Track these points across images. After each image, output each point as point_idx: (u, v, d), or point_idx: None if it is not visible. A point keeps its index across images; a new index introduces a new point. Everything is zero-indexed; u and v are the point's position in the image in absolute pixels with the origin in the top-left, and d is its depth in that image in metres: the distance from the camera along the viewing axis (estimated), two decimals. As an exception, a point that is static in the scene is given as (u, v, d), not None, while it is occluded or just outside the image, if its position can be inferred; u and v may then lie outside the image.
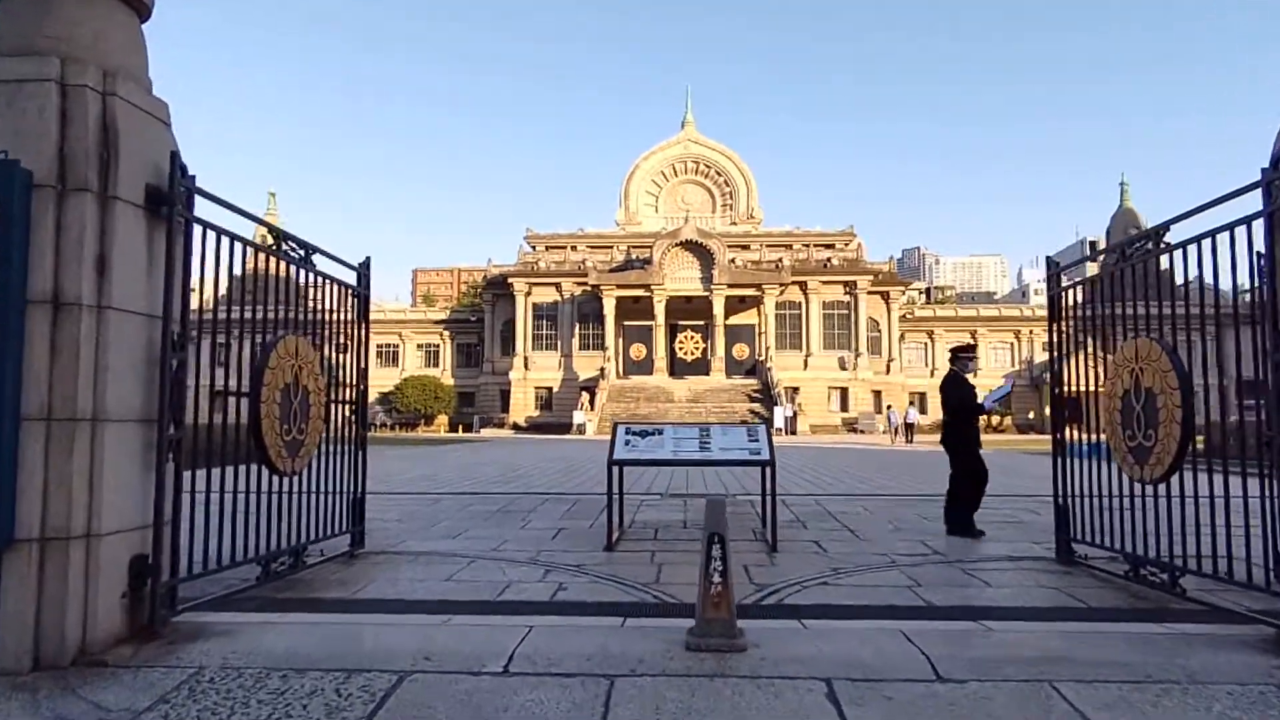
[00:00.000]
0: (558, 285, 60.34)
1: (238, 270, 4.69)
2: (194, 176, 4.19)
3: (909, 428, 40.13)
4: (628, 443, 6.84)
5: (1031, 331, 62.74)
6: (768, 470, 6.60)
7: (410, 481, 13.36)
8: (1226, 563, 4.51)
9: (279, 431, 4.99)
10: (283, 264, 5.28)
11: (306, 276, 5.58)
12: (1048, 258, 6.25)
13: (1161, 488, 4.82)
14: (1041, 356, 61.61)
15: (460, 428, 58.06)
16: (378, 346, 65.98)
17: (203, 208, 4.36)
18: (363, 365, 6.47)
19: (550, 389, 58.73)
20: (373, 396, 62.43)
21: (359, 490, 6.43)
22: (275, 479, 5.04)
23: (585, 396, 51.55)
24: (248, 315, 4.95)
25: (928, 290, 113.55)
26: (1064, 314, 6.09)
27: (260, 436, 4.79)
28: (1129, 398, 5.03)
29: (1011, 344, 62.95)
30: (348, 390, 6.31)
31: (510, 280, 60.52)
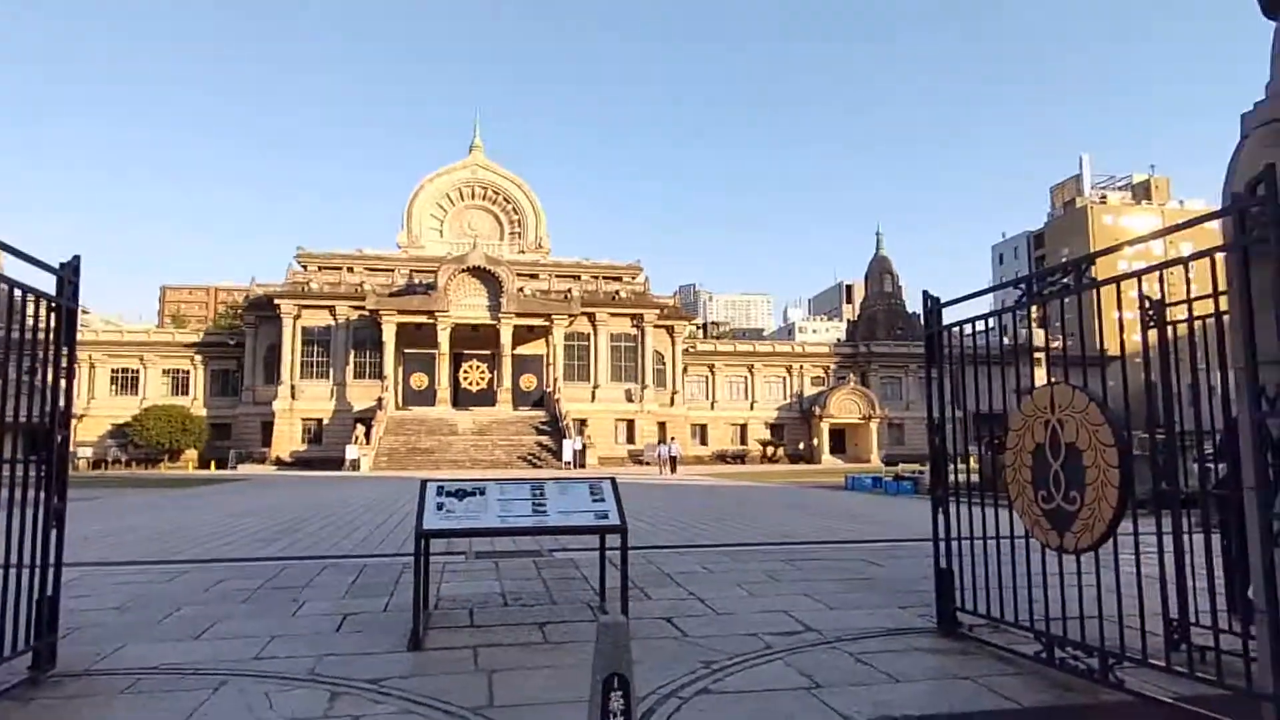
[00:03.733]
0: (331, 308, 55.99)
1: None
2: None
3: (673, 460, 42.81)
4: (440, 505, 5.41)
5: (801, 367, 66.73)
6: (618, 536, 5.45)
7: (146, 541, 10.84)
8: (1140, 637, 4.00)
9: (-105, 518, 3.14)
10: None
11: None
12: (924, 292, 5.65)
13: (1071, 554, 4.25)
14: (810, 390, 65.70)
15: (213, 463, 51.78)
16: (113, 371, 57.90)
17: None
18: (61, 406, 4.59)
19: (320, 420, 54.07)
20: (106, 428, 54.65)
21: (51, 584, 4.52)
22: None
23: (360, 429, 47.81)
24: None
25: (704, 326, 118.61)
26: (944, 354, 5.49)
27: None
28: (1043, 453, 4.42)
29: (784, 378, 66.50)
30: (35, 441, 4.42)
31: (277, 301, 55.30)
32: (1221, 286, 3.61)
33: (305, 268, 59.64)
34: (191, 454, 54.46)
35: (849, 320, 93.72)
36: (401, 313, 53.22)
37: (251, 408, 56.28)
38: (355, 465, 43.88)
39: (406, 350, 55.26)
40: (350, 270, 59.25)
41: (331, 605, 6.37)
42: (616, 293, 60.70)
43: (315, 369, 55.61)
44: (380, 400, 51.57)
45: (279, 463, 50.85)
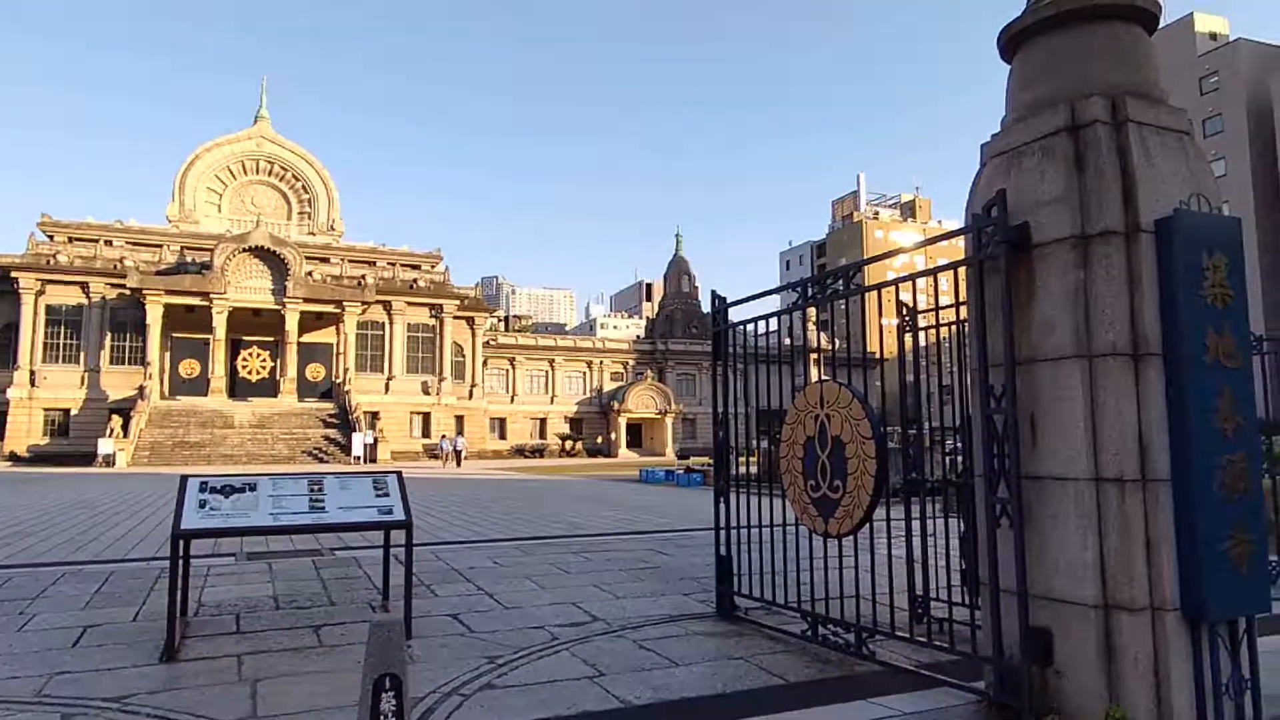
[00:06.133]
0: (84, 285, 49.77)
1: None
2: None
3: (458, 454, 43.18)
4: (203, 503, 4.96)
5: (602, 362, 67.73)
6: (403, 532, 5.25)
7: None
8: (890, 613, 4.42)
9: None
10: None
11: None
12: (712, 292, 5.91)
13: (833, 538, 4.62)
14: (610, 385, 66.89)
15: (-74, 461, 44.55)
16: None
17: None
18: None
19: (68, 411, 48.01)
20: None
21: None
22: None
23: (117, 421, 42.90)
24: None
25: (506, 319, 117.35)
26: (730, 351, 5.76)
27: None
28: (813, 445, 4.75)
29: (584, 373, 67.18)
30: None
31: (15, 274, 48.32)
32: (964, 298, 4.05)
33: (51, 238, 52.68)
34: (-105, 449, 46.56)
35: (649, 318, 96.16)
36: (171, 293, 48.32)
37: (-21, 396, 49.00)
38: (110, 461, 39.37)
39: (176, 335, 50.33)
40: (109, 244, 52.96)
41: (69, 617, 5.67)
42: (415, 281, 58.61)
43: (63, 353, 49.26)
44: (143, 389, 46.59)
45: (14, 459, 44.62)
